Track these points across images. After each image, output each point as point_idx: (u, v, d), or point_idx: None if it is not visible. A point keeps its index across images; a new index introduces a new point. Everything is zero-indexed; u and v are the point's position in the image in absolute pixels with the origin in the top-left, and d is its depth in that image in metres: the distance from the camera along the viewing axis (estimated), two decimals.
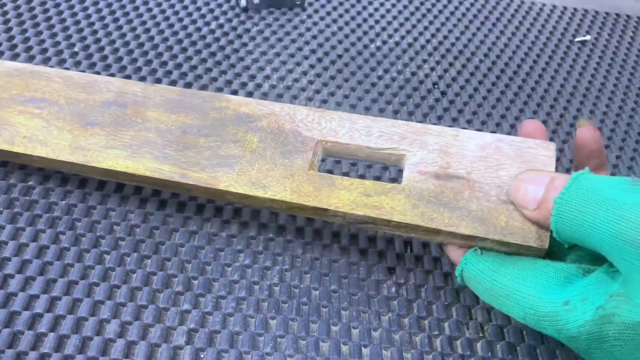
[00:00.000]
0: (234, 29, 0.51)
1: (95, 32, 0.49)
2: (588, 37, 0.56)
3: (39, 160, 0.35)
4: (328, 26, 0.53)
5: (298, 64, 0.49)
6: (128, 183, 0.35)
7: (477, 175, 0.30)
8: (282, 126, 0.33)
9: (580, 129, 0.32)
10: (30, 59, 0.45)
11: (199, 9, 0.52)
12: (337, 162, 0.41)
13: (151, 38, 0.49)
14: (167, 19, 0.51)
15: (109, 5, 0.51)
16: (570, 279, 0.27)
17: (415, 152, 0.32)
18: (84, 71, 0.45)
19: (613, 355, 0.24)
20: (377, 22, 0.54)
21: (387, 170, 0.41)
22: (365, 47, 0.51)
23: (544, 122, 0.46)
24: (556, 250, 0.29)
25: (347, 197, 0.30)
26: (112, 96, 0.36)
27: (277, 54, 0.49)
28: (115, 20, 0.50)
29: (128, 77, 0.45)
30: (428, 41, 0.53)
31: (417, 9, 0.56)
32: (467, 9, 0.57)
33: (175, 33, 0.50)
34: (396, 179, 0.40)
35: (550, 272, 0.27)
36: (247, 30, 0.51)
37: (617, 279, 0.25)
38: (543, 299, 0.26)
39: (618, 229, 0.24)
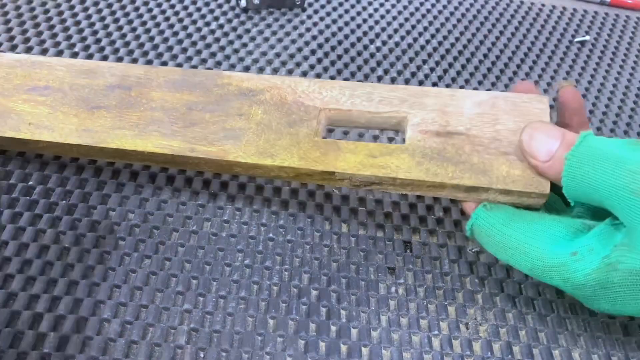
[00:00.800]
0: (234, 29, 0.51)
1: (95, 32, 0.49)
2: (587, 38, 0.56)
3: (45, 147, 0.35)
4: (328, 27, 0.53)
5: (298, 64, 0.49)
6: (137, 162, 0.35)
7: (476, 130, 0.31)
8: (285, 98, 0.34)
9: (562, 89, 0.33)
10: None
11: (199, 9, 0.52)
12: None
13: (151, 38, 0.49)
14: (167, 19, 0.51)
15: (109, 5, 0.51)
16: (576, 233, 0.28)
17: (415, 113, 0.32)
18: None
19: (616, 300, 0.27)
20: (377, 22, 0.54)
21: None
22: (365, 47, 0.51)
23: None
24: (559, 209, 0.31)
25: (353, 159, 0.31)
26: (116, 80, 0.36)
27: (277, 55, 0.49)
28: (116, 20, 0.50)
29: None
30: (428, 42, 0.53)
31: (417, 9, 0.56)
32: (467, 9, 0.57)
33: (176, 33, 0.50)
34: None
35: (558, 226, 0.29)
36: (248, 31, 0.51)
37: (620, 231, 0.27)
38: (551, 250, 0.28)
39: (626, 181, 0.25)
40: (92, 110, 0.35)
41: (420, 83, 0.48)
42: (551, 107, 0.32)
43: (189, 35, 0.50)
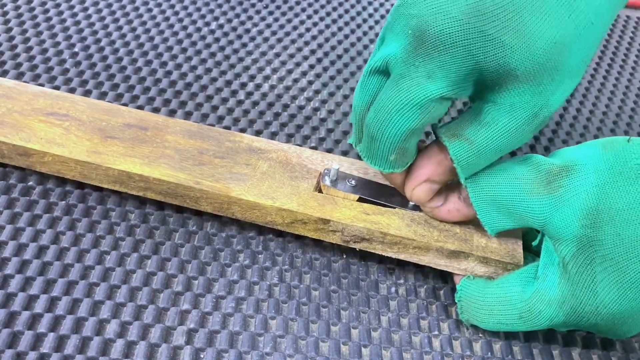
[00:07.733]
0: (234, 29, 0.51)
1: (95, 32, 0.49)
2: None
3: (49, 161, 0.35)
4: (328, 27, 0.53)
5: (298, 64, 0.49)
6: (136, 192, 0.35)
7: None
8: (290, 159, 0.37)
9: None
10: (31, 59, 0.45)
11: (199, 9, 0.52)
12: None
13: (151, 38, 0.49)
14: (167, 19, 0.51)
15: (109, 5, 0.51)
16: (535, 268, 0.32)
17: None
18: (84, 71, 0.45)
19: (597, 291, 0.28)
20: (377, 22, 0.54)
21: None
22: (365, 47, 0.51)
23: None
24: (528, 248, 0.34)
25: (348, 213, 0.34)
26: (134, 121, 0.38)
27: (277, 55, 0.49)
28: (115, 20, 0.50)
29: (128, 77, 0.45)
30: None
31: None
32: None
33: (175, 33, 0.50)
34: None
35: (528, 270, 0.31)
36: (247, 31, 0.51)
37: (548, 243, 0.30)
38: (527, 288, 0.31)
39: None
40: (106, 139, 0.36)
41: None
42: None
43: (189, 35, 0.50)
